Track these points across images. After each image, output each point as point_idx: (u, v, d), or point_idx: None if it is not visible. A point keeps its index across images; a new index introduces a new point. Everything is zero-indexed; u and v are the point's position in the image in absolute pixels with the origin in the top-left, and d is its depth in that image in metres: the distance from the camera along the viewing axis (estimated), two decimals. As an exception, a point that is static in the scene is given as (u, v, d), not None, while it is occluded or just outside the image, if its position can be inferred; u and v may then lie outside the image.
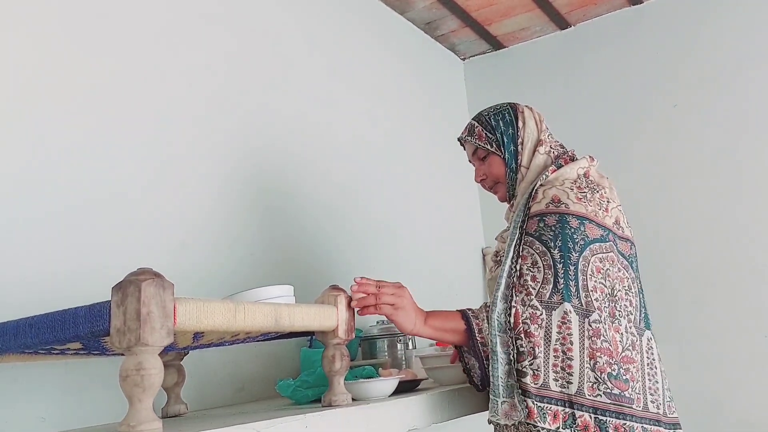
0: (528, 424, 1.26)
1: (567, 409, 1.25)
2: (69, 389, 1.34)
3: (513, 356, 1.29)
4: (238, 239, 1.83)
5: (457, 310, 1.43)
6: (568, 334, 1.28)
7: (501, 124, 1.56)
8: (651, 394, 1.32)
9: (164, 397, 1.33)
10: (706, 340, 2.61)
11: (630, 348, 1.32)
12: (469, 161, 1.66)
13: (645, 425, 1.28)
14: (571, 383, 1.26)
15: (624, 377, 1.28)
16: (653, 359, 1.37)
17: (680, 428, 1.35)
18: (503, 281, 1.35)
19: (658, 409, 1.32)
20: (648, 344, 1.38)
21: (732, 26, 2.72)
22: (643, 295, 1.45)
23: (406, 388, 1.46)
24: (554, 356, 1.27)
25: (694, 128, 2.74)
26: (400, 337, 1.97)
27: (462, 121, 3.13)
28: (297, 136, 2.14)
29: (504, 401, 1.28)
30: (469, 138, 1.60)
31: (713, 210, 2.65)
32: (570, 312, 1.28)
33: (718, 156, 2.68)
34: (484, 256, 3.05)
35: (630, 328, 1.34)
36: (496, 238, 1.62)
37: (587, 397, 1.25)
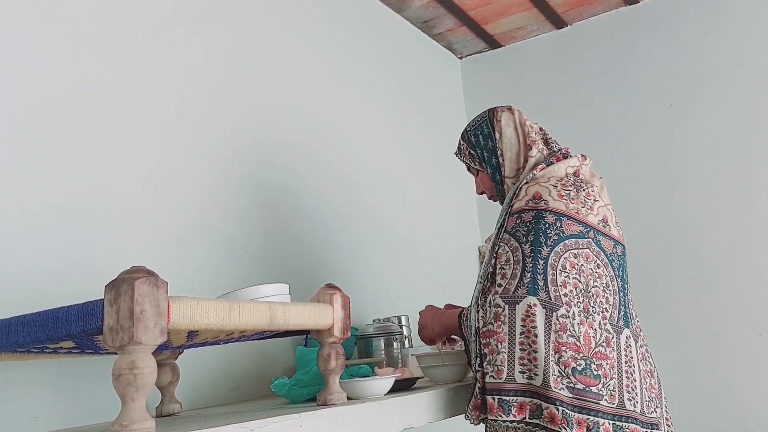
0: (492, 420, 1.29)
1: (534, 400, 1.27)
2: (62, 388, 1.33)
3: (477, 361, 1.33)
4: (234, 237, 1.82)
5: (461, 310, 1.50)
6: (532, 326, 1.29)
7: (481, 139, 1.60)
8: (628, 392, 1.32)
9: (158, 396, 1.33)
10: (701, 337, 2.60)
11: (604, 344, 1.32)
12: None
13: (617, 422, 1.28)
14: (537, 375, 1.27)
15: (595, 372, 1.28)
16: (631, 357, 1.36)
17: (658, 429, 1.35)
18: (478, 286, 1.40)
19: (635, 407, 1.32)
20: (626, 342, 1.37)
21: (728, 26, 2.72)
22: (624, 293, 1.44)
23: (402, 386, 1.45)
24: (520, 349, 1.29)
25: (689, 128, 2.74)
26: (397, 336, 1.96)
27: (459, 119, 3.15)
28: (294, 134, 2.14)
29: (470, 400, 1.35)
30: (459, 156, 1.67)
31: (708, 208, 2.65)
32: (535, 305, 1.29)
33: (714, 155, 2.68)
34: (480, 254, 3.04)
35: (605, 324, 1.34)
36: (485, 241, 1.63)
37: (553, 389, 1.25)
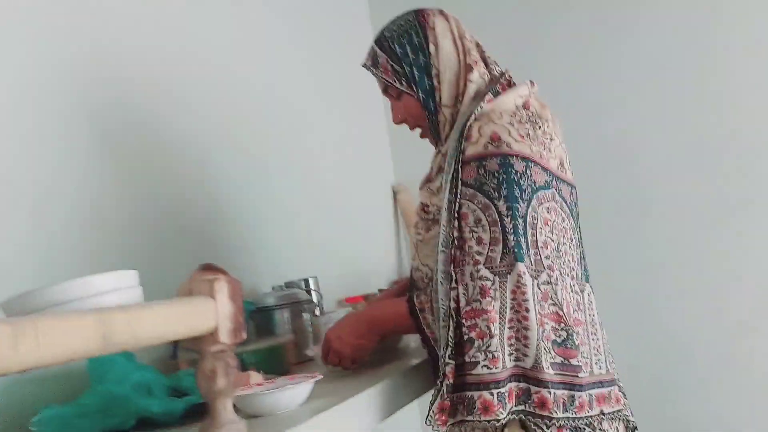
0: (486, 421, 1.04)
1: (521, 384, 1.06)
2: None
3: (448, 351, 1.07)
4: (90, 206, 1.30)
5: (407, 299, 1.21)
6: (523, 300, 1.07)
7: (409, 51, 1.27)
8: (595, 355, 1.16)
9: None
10: (637, 272, 2.35)
11: (576, 308, 1.15)
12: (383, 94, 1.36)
13: (590, 391, 1.10)
14: (527, 356, 1.06)
15: (575, 342, 1.10)
16: (593, 315, 1.21)
17: (615, 384, 1.17)
18: (441, 256, 1.11)
19: (601, 369, 1.15)
20: (588, 299, 1.21)
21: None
22: (582, 244, 1.28)
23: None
24: (509, 328, 1.07)
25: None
26: (305, 304, 1.55)
27: (363, 38, 2.65)
28: (175, 70, 1.62)
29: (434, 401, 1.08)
30: (375, 71, 1.31)
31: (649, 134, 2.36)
32: (524, 274, 1.07)
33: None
34: (394, 194, 2.66)
35: (574, 286, 1.17)
36: (420, 188, 1.31)
37: (545, 371, 1.06)
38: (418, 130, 1.33)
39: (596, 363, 1.14)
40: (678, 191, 2.30)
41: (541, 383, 1.05)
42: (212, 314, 0.77)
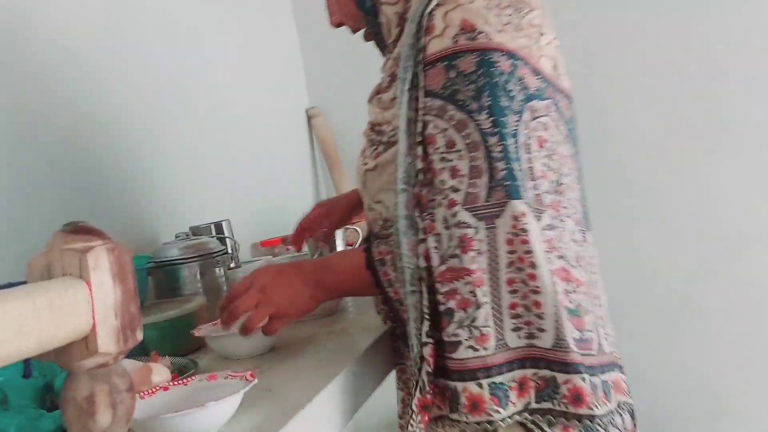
0: (482, 422, 0.76)
1: (541, 372, 0.77)
2: None
3: (425, 327, 0.78)
4: None
5: (363, 250, 0.91)
6: (525, 252, 0.77)
7: None
8: (602, 327, 0.85)
9: None
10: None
11: (575, 264, 0.83)
12: None
13: (603, 376, 0.80)
14: (544, 330, 0.77)
15: (582, 308, 0.81)
16: (595, 271, 0.90)
17: (618, 368, 0.87)
18: (402, 196, 0.82)
19: (611, 345, 0.86)
20: (591, 252, 0.91)
21: None
22: (583, 177, 0.96)
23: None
24: (510, 292, 0.77)
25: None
26: (218, 256, 1.24)
27: None
28: None
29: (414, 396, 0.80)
30: None
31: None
32: (525, 215, 0.78)
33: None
34: (309, 118, 2.32)
35: (575, 233, 0.86)
36: (369, 101, 1.00)
37: (573, 349, 0.76)
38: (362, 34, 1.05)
39: (605, 337, 0.85)
40: (640, 125, 2.09)
41: (570, 368, 0.76)
42: (84, 307, 0.46)
